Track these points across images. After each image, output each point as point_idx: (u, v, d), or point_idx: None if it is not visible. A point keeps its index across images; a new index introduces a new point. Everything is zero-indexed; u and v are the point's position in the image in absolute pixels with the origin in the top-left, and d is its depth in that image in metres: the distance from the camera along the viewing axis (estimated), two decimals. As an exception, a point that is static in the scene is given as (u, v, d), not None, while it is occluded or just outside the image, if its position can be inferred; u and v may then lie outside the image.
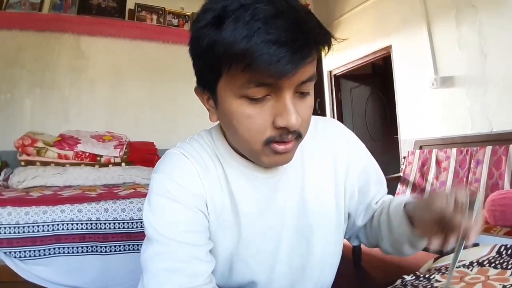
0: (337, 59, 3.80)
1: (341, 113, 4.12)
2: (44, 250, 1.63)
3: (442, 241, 0.47)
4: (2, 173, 2.40)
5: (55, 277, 1.64)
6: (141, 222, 0.59)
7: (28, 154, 2.48)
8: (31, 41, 2.84)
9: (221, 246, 0.59)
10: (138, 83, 3.17)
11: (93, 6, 3.06)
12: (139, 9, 3.24)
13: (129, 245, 1.74)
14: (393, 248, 0.64)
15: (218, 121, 0.59)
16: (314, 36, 0.46)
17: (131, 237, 1.73)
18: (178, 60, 2.84)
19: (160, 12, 3.32)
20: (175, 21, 3.35)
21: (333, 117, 3.97)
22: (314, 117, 0.64)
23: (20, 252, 1.60)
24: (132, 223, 1.74)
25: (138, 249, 1.73)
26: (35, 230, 1.61)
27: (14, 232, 1.60)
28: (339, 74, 4.00)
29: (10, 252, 1.60)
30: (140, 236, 1.69)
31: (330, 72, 4.06)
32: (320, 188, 0.63)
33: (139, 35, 3.18)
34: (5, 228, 1.59)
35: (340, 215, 0.65)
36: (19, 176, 2.23)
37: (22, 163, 2.47)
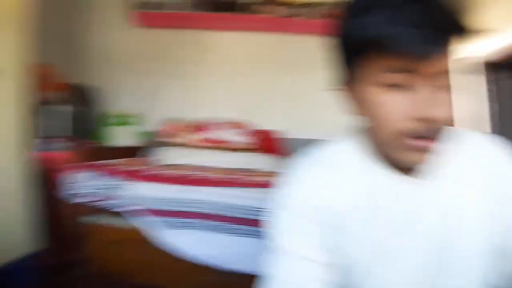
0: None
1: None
2: (189, 223, 1.82)
3: None
4: (152, 153, 2.80)
5: (192, 247, 1.79)
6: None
7: (171, 137, 2.85)
8: (179, 38, 3.29)
9: (355, 260, 0.56)
10: (268, 76, 3.30)
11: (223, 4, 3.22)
12: (259, 2, 3.24)
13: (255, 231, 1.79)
14: None
15: (362, 126, 0.57)
16: (455, 23, 0.45)
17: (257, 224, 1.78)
18: (305, 51, 2.84)
19: (286, 4, 3.30)
20: (302, 11, 3.30)
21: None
22: (463, 130, 0.61)
23: (171, 223, 1.82)
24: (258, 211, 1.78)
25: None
26: (183, 206, 1.82)
27: (168, 206, 1.83)
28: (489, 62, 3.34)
29: (160, 222, 1.82)
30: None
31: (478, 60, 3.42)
32: (467, 211, 0.56)
33: (265, 28, 3.28)
34: (160, 201, 1.85)
35: (489, 246, 0.55)
36: (167, 156, 2.57)
37: (167, 145, 2.82)
